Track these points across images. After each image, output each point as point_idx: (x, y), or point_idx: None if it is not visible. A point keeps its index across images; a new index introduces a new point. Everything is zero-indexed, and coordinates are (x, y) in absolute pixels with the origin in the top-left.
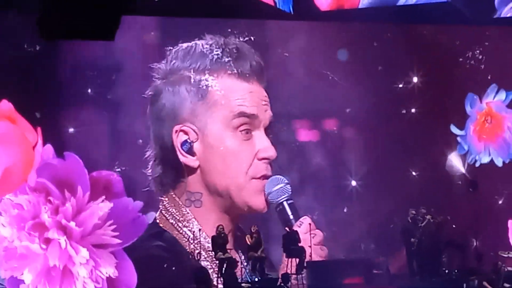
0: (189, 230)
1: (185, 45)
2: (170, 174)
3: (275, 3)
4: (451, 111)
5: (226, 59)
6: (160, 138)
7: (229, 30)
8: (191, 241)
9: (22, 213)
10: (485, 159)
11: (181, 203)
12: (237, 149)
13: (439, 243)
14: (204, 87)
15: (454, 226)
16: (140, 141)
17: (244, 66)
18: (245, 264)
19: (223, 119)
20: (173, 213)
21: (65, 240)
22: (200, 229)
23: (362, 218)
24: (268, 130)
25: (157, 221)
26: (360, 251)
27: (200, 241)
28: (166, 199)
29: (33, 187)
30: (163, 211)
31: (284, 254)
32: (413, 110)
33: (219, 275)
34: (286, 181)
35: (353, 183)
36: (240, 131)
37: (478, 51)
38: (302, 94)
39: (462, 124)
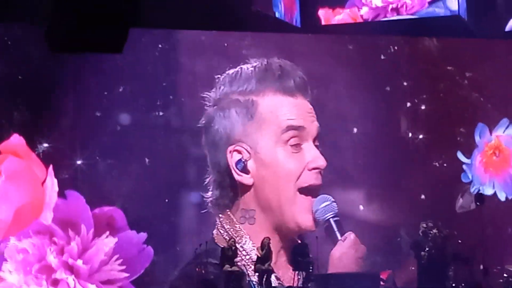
0: (241, 246)
1: (231, 71)
2: (227, 195)
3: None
4: (459, 137)
5: (271, 78)
6: (217, 163)
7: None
8: (243, 257)
9: (27, 257)
10: (489, 191)
11: (235, 220)
12: (288, 162)
13: (446, 257)
14: (252, 107)
15: (460, 241)
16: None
17: (288, 82)
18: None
19: (272, 135)
20: (227, 230)
21: (73, 279)
22: (253, 245)
23: (369, 233)
24: (316, 141)
25: (214, 238)
26: (366, 264)
27: (251, 256)
28: (223, 216)
29: (37, 229)
30: (219, 228)
31: (291, 267)
32: (420, 136)
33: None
34: (332, 199)
35: (360, 207)
36: (290, 145)
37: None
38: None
39: (469, 152)
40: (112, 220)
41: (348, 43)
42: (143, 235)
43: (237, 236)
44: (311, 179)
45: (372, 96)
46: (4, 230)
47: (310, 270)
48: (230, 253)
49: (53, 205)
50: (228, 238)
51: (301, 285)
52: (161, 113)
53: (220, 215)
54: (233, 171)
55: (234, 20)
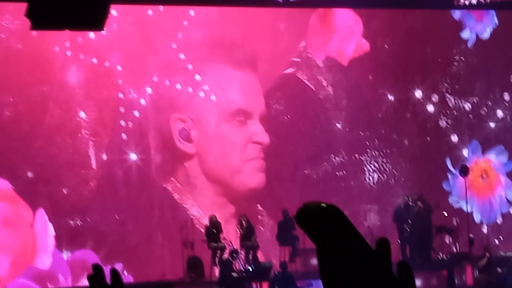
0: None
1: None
2: (169, 160)
3: None
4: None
5: (221, 50)
6: (160, 128)
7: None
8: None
9: None
10: (465, 208)
11: (181, 187)
12: (232, 135)
13: (431, 228)
14: (200, 77)
15: (445, 212)
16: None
17: (238, 56)
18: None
19: (219, 110)
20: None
21: None
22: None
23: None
24: (263, 120)
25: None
26: None
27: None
28: (167, 184)
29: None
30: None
31: (278, 243)
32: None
33: (214, 264)
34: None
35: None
36: (236, 121)
37: None
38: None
39: (457, 163)
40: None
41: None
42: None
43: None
44: (255, 152)
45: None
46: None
47: (297, 245)
48: (214, 230)
49: (51, 249)
50: (209, 217)
51: (289, 260)
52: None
53: (164, 185)
54: (175, 138)
55: None
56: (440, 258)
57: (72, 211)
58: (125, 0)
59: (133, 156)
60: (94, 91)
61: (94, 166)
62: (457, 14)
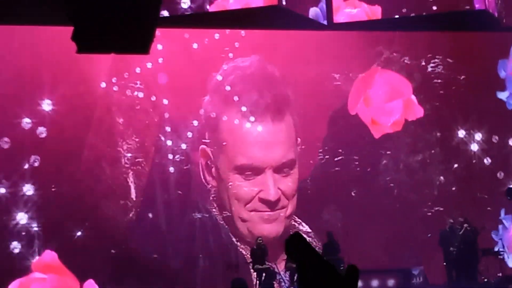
0: None
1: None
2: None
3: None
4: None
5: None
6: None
7: None
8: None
9: None
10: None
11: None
12: (239, 187)
13: (477, 251)
14: (216, 122)
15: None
16: None
17: (254, 104)
18: (283, 274)
19: (227, 161)
20: None
21: None
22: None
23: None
24: (281, 169)
25: None
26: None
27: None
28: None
29: None
30: None
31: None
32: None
33: (259, 286)
34: None
35: None
36: (244, 175)
37: None
38: None
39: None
40: None
41: None
42: None
43: None
44: (261, 207)
45: None
46: None
47: (341, 268)
48: (259, 252)
49: None
50: (256, 238)
51: None
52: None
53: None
54: (200, 169)
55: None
56: (486, 281)
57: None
58: (171, 24)
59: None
60: (138, 123)
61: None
62: (502, 73)
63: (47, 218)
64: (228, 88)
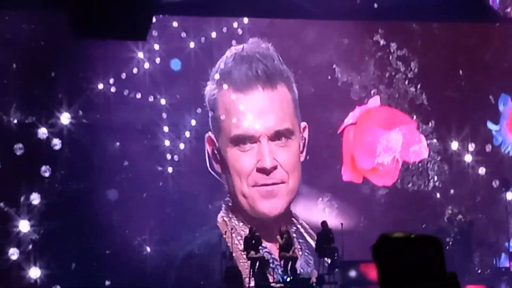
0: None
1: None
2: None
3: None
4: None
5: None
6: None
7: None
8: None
9: None
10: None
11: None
12: (236, 161)
13: (471, 243)
14: (215, 101)
15: (486, 225)
16: None
17: (246, 72)
18: (277, 264)
19: (224, 136)
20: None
21: None
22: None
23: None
24: (277, 137)
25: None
26: None
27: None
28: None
29: None
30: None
31: (317, 254)
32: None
33: (251, 275)
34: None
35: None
36: (240, 146)
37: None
38: None
39: (496, 120)
40: None
41: None
42: None
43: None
44: (260, 179)
45: None
46: None
47: (336, 257)
48: (253, 241)
49: None
50: (249, 228)
51: (327, 272)
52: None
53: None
54: (207, 159)
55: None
56: (479, 272)
57: None
58: (167, 11)
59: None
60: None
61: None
62: (501, 107)
63: (49, 229)
64: (222, 67)
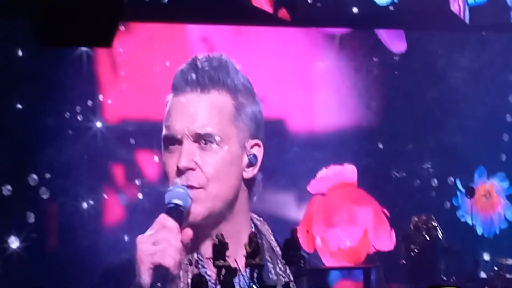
0: None
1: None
2: None
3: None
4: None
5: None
6: None
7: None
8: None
9: None
10: (470, 221)
11: None
12: (166, 162)
13: (437, 250)
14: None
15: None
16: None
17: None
18: (243, 271)
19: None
20: None
21: None
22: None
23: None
24: (201, 139)
25: None
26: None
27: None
28: None
29: None
30: None
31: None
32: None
33: (217, 283)
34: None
35: None
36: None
37: None
38: None
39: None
40: None
41: None
42: None
43: None
44: (178, 181)
45: None
46: None
47: (302, 265)
48: (220, 248)
49: None
50: (216, 234)
51: (293, 279)
52: None
53: None
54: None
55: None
56: (445, 279)
57: None
58: (134, 18)
59: None
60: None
61: None
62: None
63: None
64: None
